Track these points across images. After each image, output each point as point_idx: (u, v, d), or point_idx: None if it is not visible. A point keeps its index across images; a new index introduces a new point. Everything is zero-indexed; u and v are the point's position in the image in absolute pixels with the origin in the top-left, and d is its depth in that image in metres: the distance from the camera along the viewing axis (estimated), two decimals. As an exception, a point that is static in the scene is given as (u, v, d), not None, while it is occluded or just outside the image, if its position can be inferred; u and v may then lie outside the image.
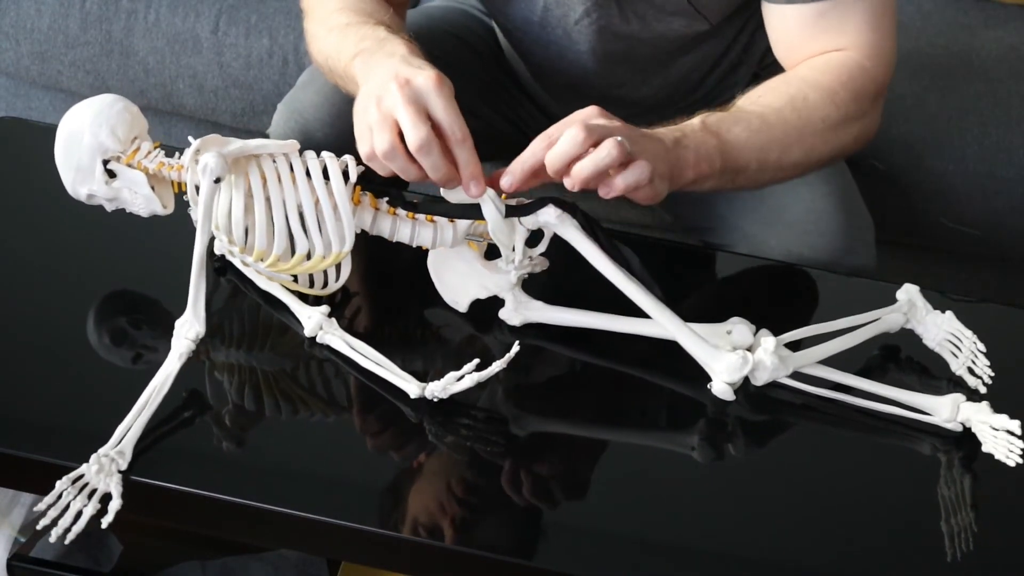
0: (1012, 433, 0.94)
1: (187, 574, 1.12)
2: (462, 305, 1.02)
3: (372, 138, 0.94)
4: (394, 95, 0.93)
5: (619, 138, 0.93)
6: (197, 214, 0.96)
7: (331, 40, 1.11)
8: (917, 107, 1.63)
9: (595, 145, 0.93)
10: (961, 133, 1.62)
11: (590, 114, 0.97)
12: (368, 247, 1.03)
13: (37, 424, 0.92)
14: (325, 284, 1.02)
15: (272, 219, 0.96)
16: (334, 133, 1.21)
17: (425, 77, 0.94)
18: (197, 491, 0.87)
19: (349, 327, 0.99)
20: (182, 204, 1.05)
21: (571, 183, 0.94)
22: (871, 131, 1.16)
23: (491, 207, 0.96)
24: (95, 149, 1.01)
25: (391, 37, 1.05)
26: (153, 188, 1.01)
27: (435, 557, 0.86)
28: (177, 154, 1.00)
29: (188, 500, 0.87)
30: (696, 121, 1.04)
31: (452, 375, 0.92)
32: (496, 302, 1.01)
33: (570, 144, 0.93)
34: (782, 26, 1.17)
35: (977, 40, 1.75)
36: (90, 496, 0.85)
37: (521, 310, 1.01)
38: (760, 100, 1.09)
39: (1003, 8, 1.85)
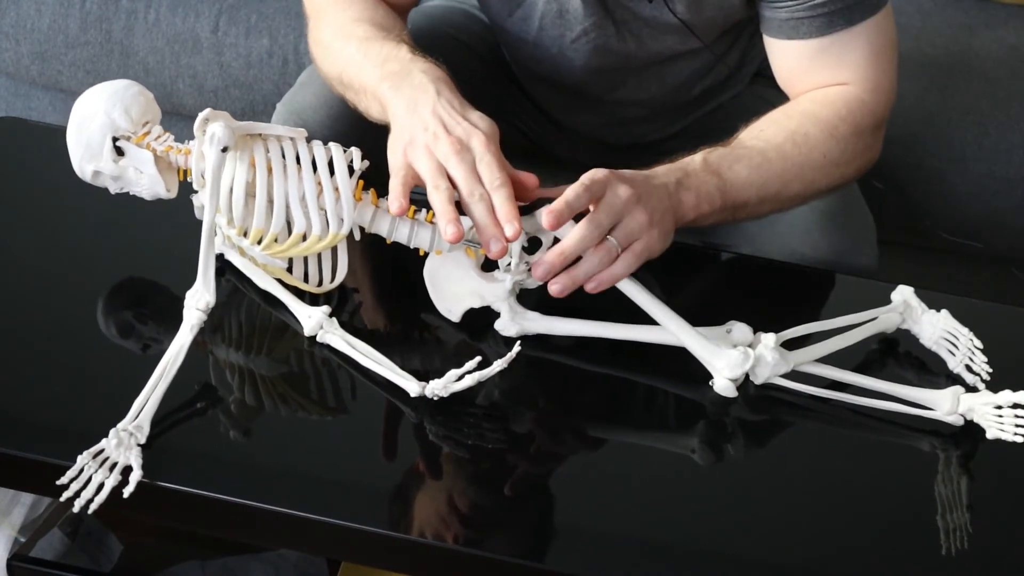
0: (1019, 405, 0.94)
1: (187, 574, 1.12)
2: (455, 314, 1.01)
3: (434, 187, 0.96)
4: (451, 159, 0.96)
5: (613, 241, 0.96)
6: (204, 186, 0.97)
7: (348, 53, 1.11)
8: (917, 107, 1.63)
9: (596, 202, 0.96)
10: (961, 133, 1.62)
11: (596, 184, 0.96)
12: (368, 247, 1.03)
13: (37, 424, 0.92)
14: (320, 282, 1.02)
15: (272, 197, 0.97)
16: (332, 135, 1.21)
17: (479, 142, 0.96)
18: (197, 491, 0.87)
19: (349, 327, 0.99)
20: (184, 202, 1.05)
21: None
22: (872, 161, 1.17)
23: None
24: (106, 126, 1.02)
25: (416, 59, 1.06)
26: (159, 173, 1.02)
27: (435, 557, 0.86)
28: (187, 140, 1.01)
29: (188, 500, 0.87)
30: (698, 159, 1.05)
31: (453, 373, 0.92)
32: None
33: (578, 242, 0.95)
34: (784, 60, 1.18)
35: (977, 40, 1.76)
36: (111, 469, 0.86)
37: (517, 320, 1.00)
38: (762, 135, 1.10)
39: (1003, 8, 1.85)
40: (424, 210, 0.98)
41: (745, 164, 1.06)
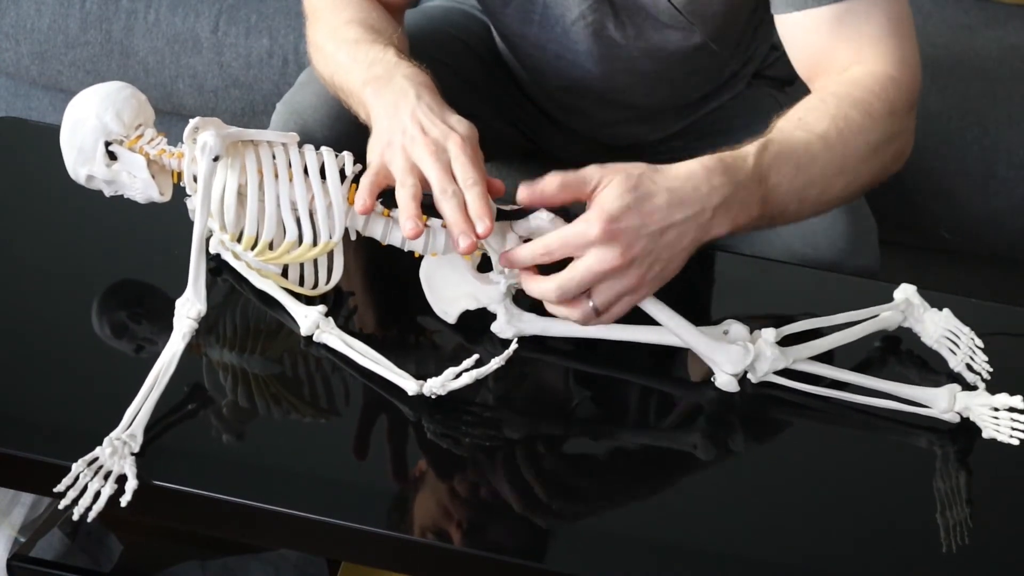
0: (1015, 410, 0.95)
1: (187, 574, 1.12)
2: (451, 316, 1.01)
3: (400, 184, 0.95)
4: (426, 160, 0.95)
5: (589, 305, 0.92)
6: (195, 195, 0.97)
7: (339, 56, 1.11)
8: (917, 107, 1.63)
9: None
10: (961, 133, 1.62)
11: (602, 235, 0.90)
12: (364, 248, 1.03)
13: (37, 424, 0.92)
14: (315, 285, 1.02)
15: (264, 204, 0.97)
16: (333, 135, 1.21)
17: (455, 143, 0.96)
18: (197, 491, 0.87)
19: (344, 329, 0.99)
20: (181, 203, 1.05)
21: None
22: (907, 146, 1.10)
23: None
24: (99, 130, 1.02)
25: (401, 63, 1.05)
26: (153, 176, 1.02)
27: (435, 557, 0.86)
28: (180, 144, 1.01)
29: (188, 500, 0.87)
30: (750, 163, 0.95)
31: (451, 371, 0.92)
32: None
33: (545, 295, 0.93)
34: (799, 38, 1.11)
35: (977, 40, 1.76)
36: (106, 478, 0.86)
37: (514, 322, 1.00)
38: (803, 124, 1.01)
39: (1003, 8, 1.85)
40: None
41: (793, 165, 0.98)
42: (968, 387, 1.00)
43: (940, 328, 1.04)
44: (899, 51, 1.07)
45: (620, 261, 0.90)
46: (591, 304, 0.93)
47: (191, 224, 0.97)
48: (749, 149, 0.96)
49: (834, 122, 1.01)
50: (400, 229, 0.97)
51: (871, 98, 1.03)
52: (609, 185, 0.91)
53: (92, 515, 0.85)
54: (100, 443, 0.86)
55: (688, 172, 0.93)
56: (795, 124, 1.01)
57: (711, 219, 0.93)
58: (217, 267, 1.05)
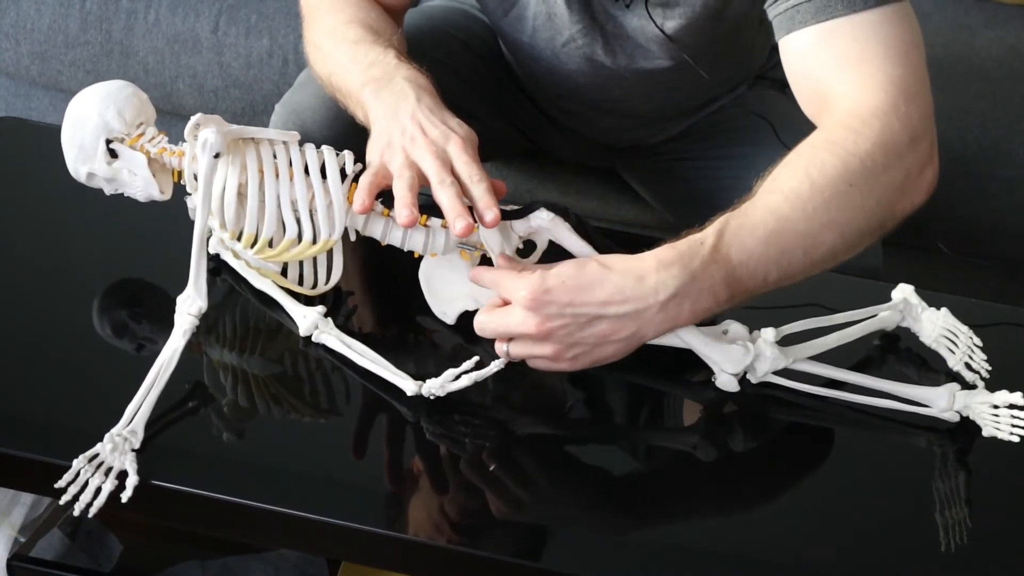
0: (1015, 406, 0.95)
1: (187, 574, 1.12)
2: (450, 316, 1.01)
3: (398, 176, 0.96)
4: (426, 158, 0.96)
5: (505, 348, 0.94)
6: (196, 193, 0.97)
7: (338, 56, 1.10)
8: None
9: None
10: (961, 133, 1.62)
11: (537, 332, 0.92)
12: (363, 249, 1.03)
13: (37, 424, 0.92)
14: (315, 284, 1.02)
15: (264, 202, 0.97)
16: (332, 135, 1.21)
17: (455, 145, 0.97)
18: (197, 491, 0.87)
19: (343, 329, 0.99)
20: (181, 202, 1.05)
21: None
22: (923, 178, 1.02)
23: None
24: (100, 128, 1.02)
25: (401, 65, 1.05)
26: (154, 175, 1.02)
27: (434, 557, 0.86)
28: (181, 142, 1.01)
29: (188, 500, 0.87)
30: (708, 247, 0.91)
31: (450, 372, 0.92)
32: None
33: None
34: (792, 65, 1.04)
35: (977, 40, 1.76)
36: (107, 474, 0.86)
37: None
38: (775, 184, 0.95)
39: (1003, 8, 1.85)
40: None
41: (761, 235, 0.92)
42: (967, 386, 1.00)
43: (938, 327, 1.04)
44: (892, 80, 0.99)
45: (535, 331, 0.92)
46: (505, 348, 0.95)
47: (191, 223, 0.98)
48: (709, 230, 0.93)
49: (807, 173, 0.94)
50: (400, 229, 0.97)
51: (851, 136, 0.96)
52: (562, 263, 0.93)
53: (93, 511, 0.85)
54: (100, 442, 0.86)
55: (639, 267, 0.91)
56: (768, 186, 0.96)
57: (659, 313, 0.91)
58: (216, 268, 1.05)
